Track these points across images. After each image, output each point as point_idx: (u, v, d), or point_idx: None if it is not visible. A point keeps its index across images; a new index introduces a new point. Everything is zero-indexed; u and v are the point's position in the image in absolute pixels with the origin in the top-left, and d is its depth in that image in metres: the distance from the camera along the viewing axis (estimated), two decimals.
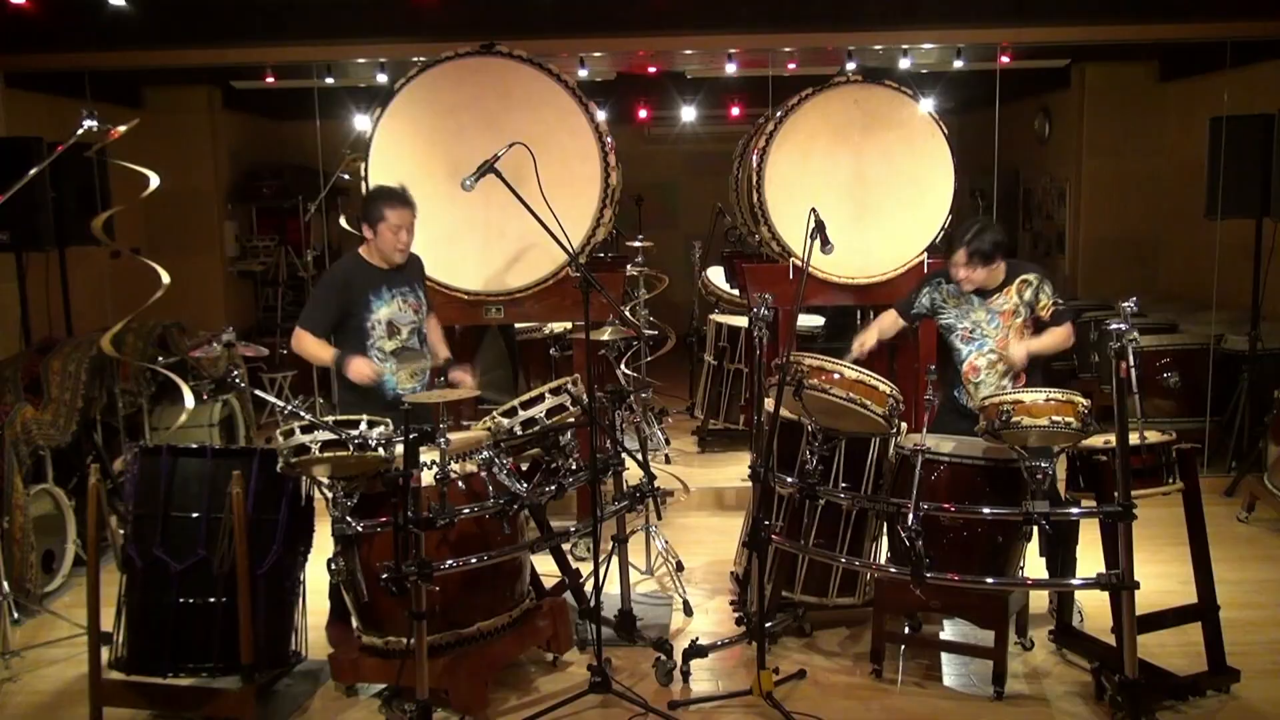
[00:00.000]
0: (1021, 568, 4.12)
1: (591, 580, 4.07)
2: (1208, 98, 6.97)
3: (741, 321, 6.89)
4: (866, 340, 4.45)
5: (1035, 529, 3.78)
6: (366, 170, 5.27)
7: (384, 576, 3.44)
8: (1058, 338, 4.21)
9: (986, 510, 3.88)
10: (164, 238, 8.26)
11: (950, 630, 4.42)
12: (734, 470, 6.52)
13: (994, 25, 6.50)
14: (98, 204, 6.09)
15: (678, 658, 4.11)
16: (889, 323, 4.55)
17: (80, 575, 5.05)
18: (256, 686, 3.74)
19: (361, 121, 7.27)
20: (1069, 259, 8.85)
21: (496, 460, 3.94)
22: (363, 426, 3.55)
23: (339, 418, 3.63)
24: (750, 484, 4.36)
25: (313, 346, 4.19)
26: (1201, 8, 6.37)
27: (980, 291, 4.30)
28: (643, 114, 8.94)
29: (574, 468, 4.21)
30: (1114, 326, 3.45)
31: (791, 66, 7.57)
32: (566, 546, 4.71)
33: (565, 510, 5.55)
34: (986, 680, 3.94)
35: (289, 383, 7.76)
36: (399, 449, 3.51)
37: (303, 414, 3.58)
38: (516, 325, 7.01)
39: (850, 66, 6.63)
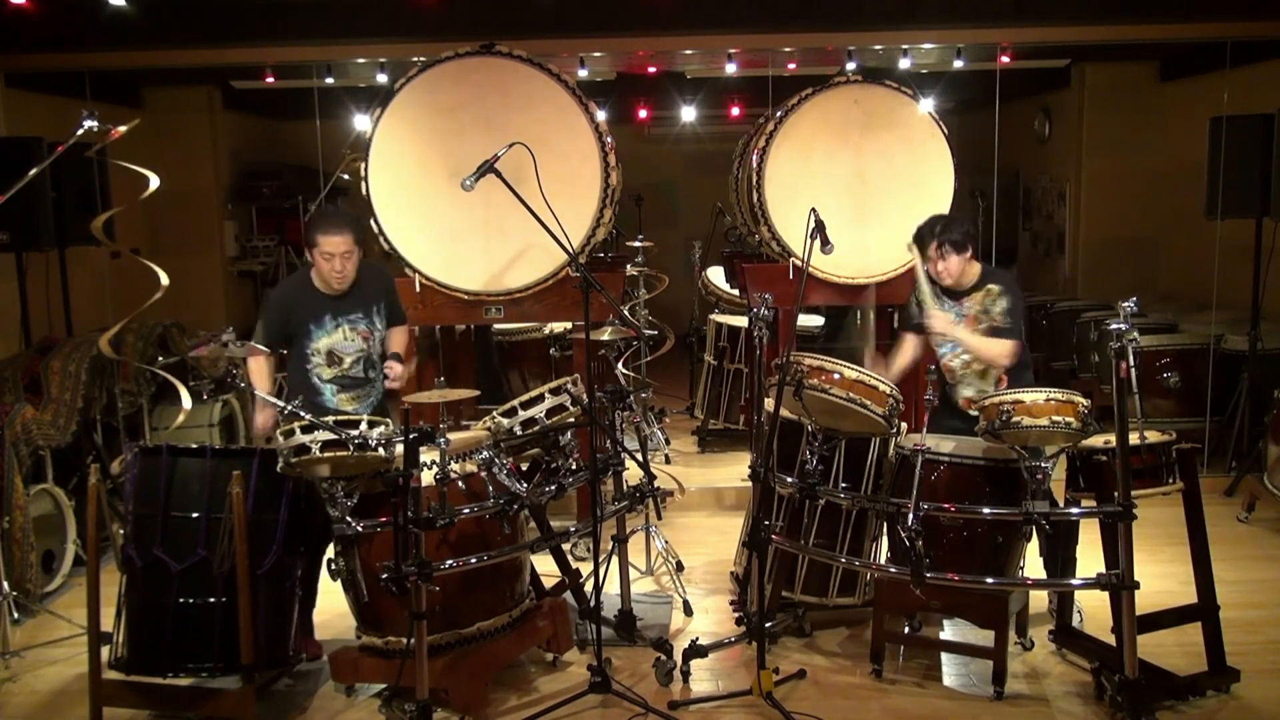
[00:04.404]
0: (1021, 568, 4.12)
1: (591, 580, 4.07)
2: (1208, 98, 6.97)
3: (741, 321, 6.89)
4: (896, 368, 4.42)
5: (1035, 529, 3.79)
6: (366, 170, 5.26)
7: (384, 576, 3.45)
8: (992, 348, 4.16)
9: (986, 510, 3.88)
10: (164, 238, 8.25)
11: (950, 630, 4.42)
12: (734, 470, 6.52)
13: (994, 25, 6.49)
14: (98, 204, 6.09)
15: (678, 658, 4.11)
16: (908, 349, 4.47)
17: (80, 575, 5.06)
18: (256, 686, 3.74)
19: (361, 121, 7.26)
20: (1069, 259, 8.85)
21: (496, 460, 3.94)
22: (363, 426, 3.56)
23: (339, 418, 3.63)
24: (750, 484, 4.37)
25: (254, 373, 4.12)
26: (1201, 8, 6.37)
27: (951, 293, 4.29)
28: (643, 114, 8.94)
29: (574, 468, 4.21)
30: (1114, 326, 3.45)
31: (791, 66, 7.56)
32: (566, 546, 4.71)
33: (565, 510, 5.56)
34: (986, 680, 3.94)
35: (289, 383, 7.76)
36: (399, 449, 3.51)
37: (303, 414, 3.58)
38: (505, 327, 7.01)
39: (850, 66, 6.63)
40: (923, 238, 4.26)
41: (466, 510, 3.75)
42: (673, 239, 9.00)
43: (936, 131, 5.49)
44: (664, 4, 6.44)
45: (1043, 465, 3.74)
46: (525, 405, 4.18)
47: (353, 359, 4.22)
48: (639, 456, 4.51)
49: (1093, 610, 4.31)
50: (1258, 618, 4.54)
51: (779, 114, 5.51)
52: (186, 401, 5.16)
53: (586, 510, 4.48)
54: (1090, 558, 4.10)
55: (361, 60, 7.03)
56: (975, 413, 4.07)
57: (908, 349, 4.49)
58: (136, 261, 5.18)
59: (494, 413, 4.18)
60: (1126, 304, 3.48)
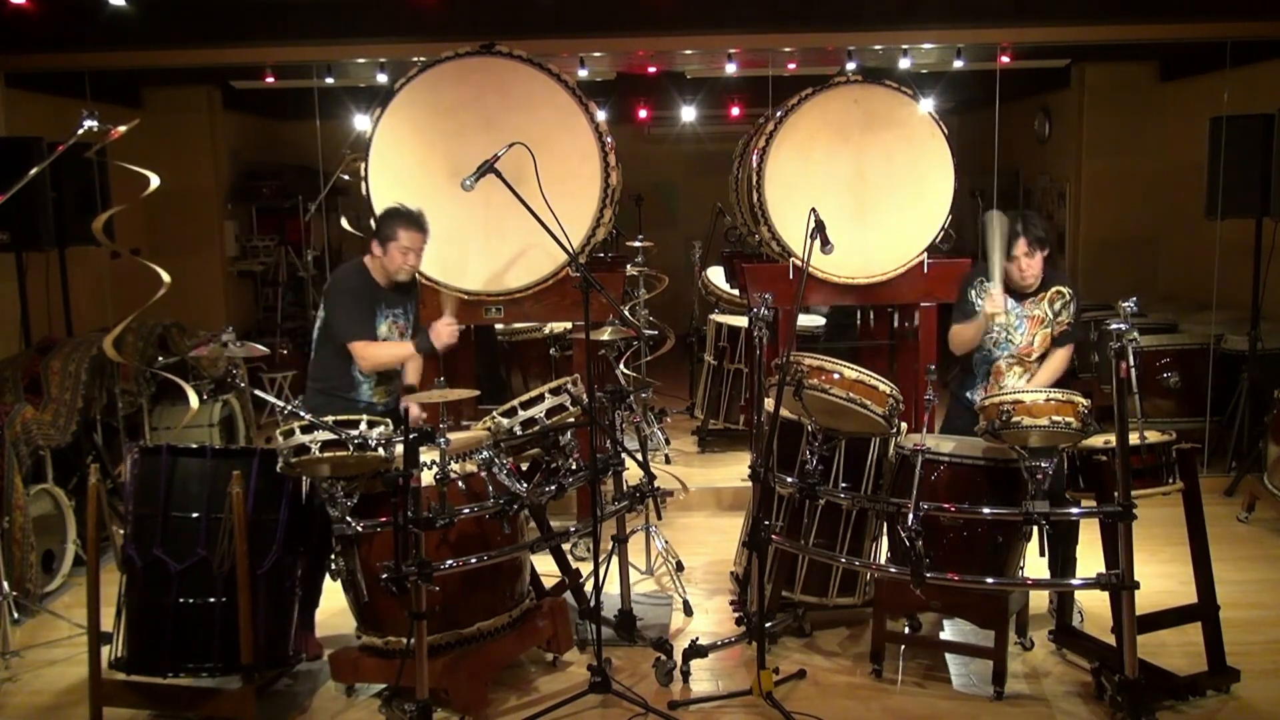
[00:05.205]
0: (1021, 568, 4.12)
1: (591, 580, 4.07)
2: (1208, 98, 6.97)
3: (741, 321, 6.89)
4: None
5: (1035, 529, 3.79)
6: (366, 170, 5.27)
7: (384, 576, 3.45)
8: (1053, 367, 4.21)
9: (986, 510, 3.88)
10: (164, 238, 8.25)
11: (950, 630, 4.42)
12: (734, 470, 6.52)
13: (994, 25, 6.49)
14: (98, 204, 6.09)
15: (678, 658, 4.11)
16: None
17: (80, 575, 5.06)
18: (256, 686, 3.74)
19: (361, 121, 7.27)
20: (1069, 259, 8.84)
21: (496, 460, 3.94)
22: (363, 426, 3.56)
23: (339, 418, 3.63)
24: (750, 484, 4.37)
25: (384, 351, 4.22)
26: (1201, 8, 6.37)
27: (1016, 294, 4.25)
28: (643, 114, 8.94)
29: (574, 468, 4.22)
30: (1114, 326, 3.45)
31: (791, 66, 7.56)
32: (566, 546, 4.71)
33: (565, 510, 5.56)
34: (986, 680, 3.94)
35: (289, 383, 7.77)
36: (399, 449, 3.51)
37: (303, 414, 3.58)
38: (505, 327, 7.02)
39: (850, 66, 6.63)
40: (1009, 240, 4.11)
41: (466, 510, 3.75)
42: (673, 239, 9.00)
43: (936, 131, 5.49)
44: (664, 4, 6.44)
45: (1043, 465, 3.74)
46: (525, 405, 4.18)
47: None
48: (639, 456, 4.51)
49: (1093, 610, 4.31)
50: (1258, 618, 4.53)
51: (779, 114, 5.51)
52: (194, 401, 5.17)
53: (586, 510, 4.48)
54: (1090, 558, 4.10)
55: (361, 60, 7.03)
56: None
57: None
58: (137, 261, 5.18)
59: (494, 413, 4.18)
60: (1126, 304, 3.48)
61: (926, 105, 5.54)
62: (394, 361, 4.31)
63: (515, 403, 4.20)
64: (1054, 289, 4.24)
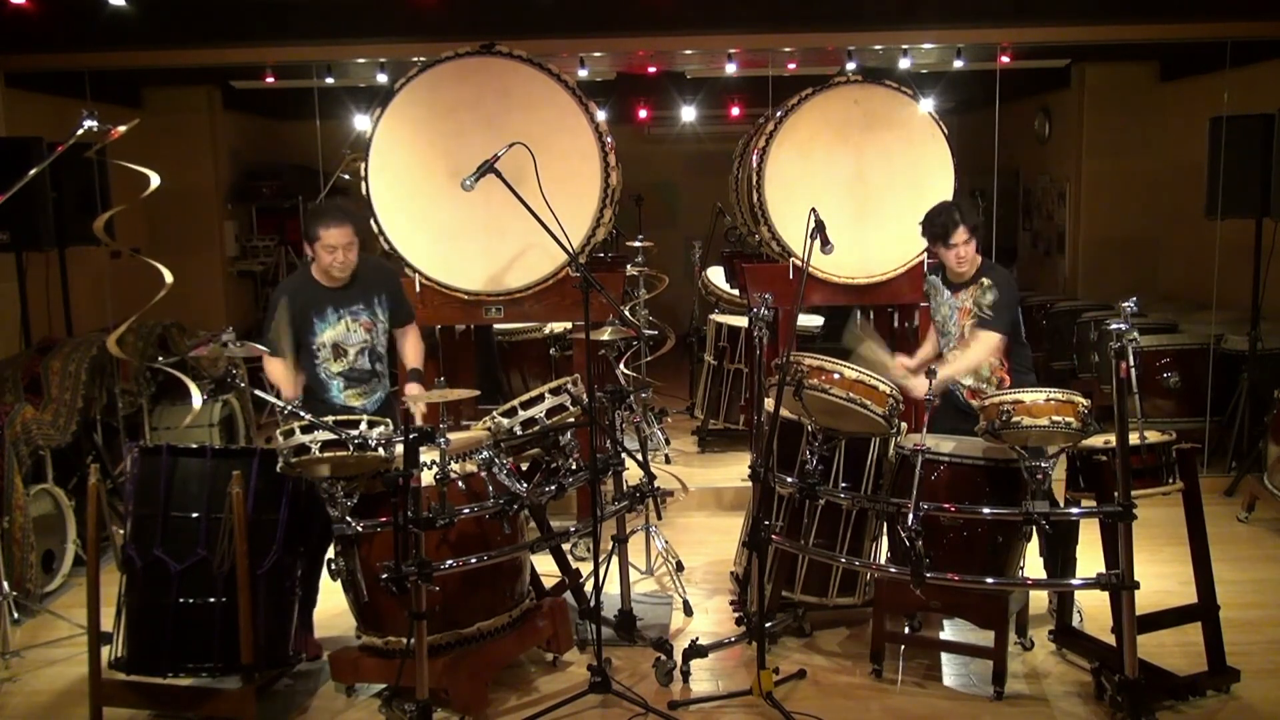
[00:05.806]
0: (1021, 568, 4.12)
1: (591, 580, 4.07)
2: (1208, 98, 6.97)
3: (741, 321, 6.90)
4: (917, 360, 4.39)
5: (1035, 529, 3.79)
6: (366, 170, 5.27)
7: (384, 576, 3.45)
8: (976, 353, 4.17)
9: (986, 510, 3.88)
10: (164, 238, 8.25)
11: (950, 630, 4.42)
12: (734, 470, 6.52)
13: (994, 25, 6.49)
14: (98, 204, 6.09)
15: (678, 658, 4.11)
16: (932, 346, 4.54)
17: (80, 575, 5.06)
18: (256, 686, 3.74)
19: (361, 121, 7.27)
20: (1069, 259, 8.85)
21: (496, 460, 3.94)
22: (363, 426, 3.56)
23: (339, 418, 3.63)
24: (750, 484, 4.37)
25: (270, 370, 4.04)
26: (1201, 8, 6.37)
27: (952, 285, 4.31)
28: (643, 114, 8.94)
29: (574, 468, 4.21)
30: (1114, 326, 3.45)
31: (791, 66, 7.57)
32: (566, 546, 4.71)
33: (565, 510, 5.56)
34: (986, 680, 3.94)
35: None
36: (399, 449, 3.51)
37: (303, 414, 3.58)
38: (505, 327, 7.02)
39: (850, 66, 6.63)
40: (946, 226, 4.18)
41: (466, 510, 3.75)
42: (673, 239, 9.01)
43: (936, 131, 5.49)
44: (664, 4, 6.44)
45: (1043, 465, 3.74)
46: (525, 405, 4.18)
47: (356, 350, 4.23)
48: (639, 456, 4.51)
49: (1093, 610, 4.31)
50: (1258, 618, 4.54)
51: (779, 114, 5.51)
52: (197, 400, 5.17)
53: (586, 510, 4.49)
54: (1090, 558, 4.10)
55: (361, 60, 7.03)
56: (976, 404, 4.07)
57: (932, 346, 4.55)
58: (137, 261, 5.18)
59: (494, 413, 4.18)
60: (1126, 304, 3.48)
61: (926, 105, 5.54)
62: (273, 380, 4.05)
63: (515, 403, 4.20)
64: (980, 280, 4.25)
